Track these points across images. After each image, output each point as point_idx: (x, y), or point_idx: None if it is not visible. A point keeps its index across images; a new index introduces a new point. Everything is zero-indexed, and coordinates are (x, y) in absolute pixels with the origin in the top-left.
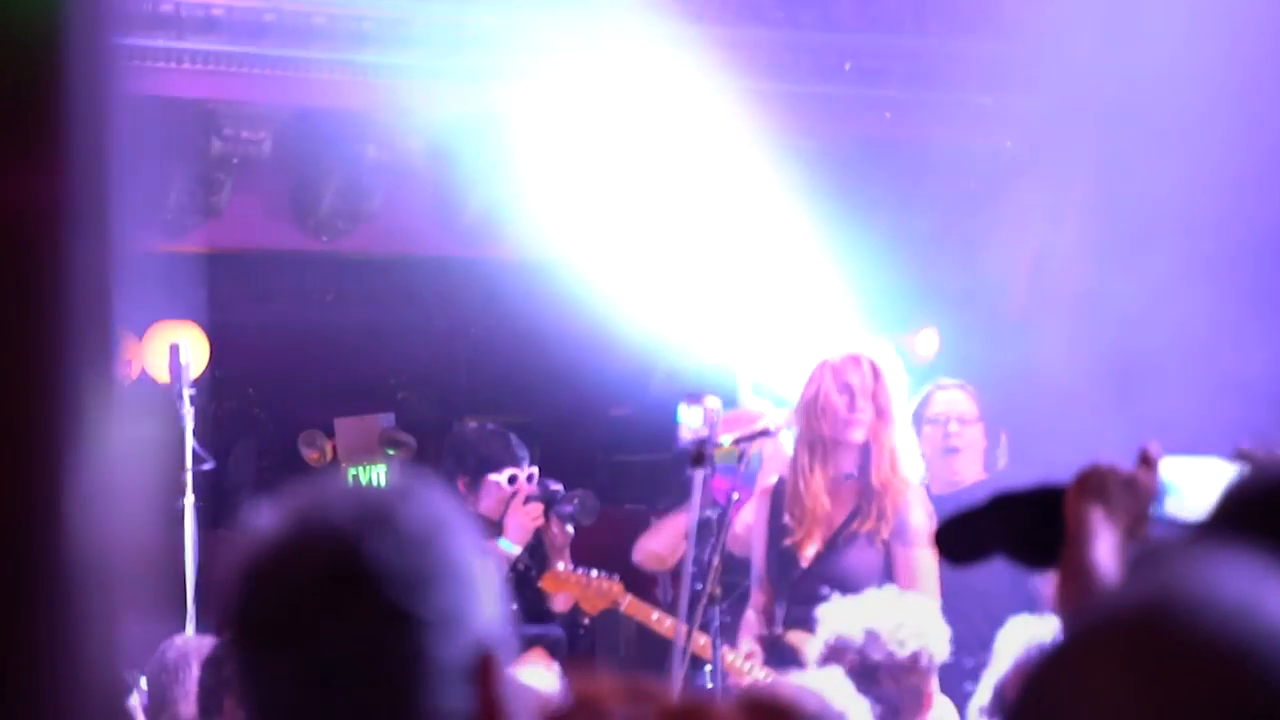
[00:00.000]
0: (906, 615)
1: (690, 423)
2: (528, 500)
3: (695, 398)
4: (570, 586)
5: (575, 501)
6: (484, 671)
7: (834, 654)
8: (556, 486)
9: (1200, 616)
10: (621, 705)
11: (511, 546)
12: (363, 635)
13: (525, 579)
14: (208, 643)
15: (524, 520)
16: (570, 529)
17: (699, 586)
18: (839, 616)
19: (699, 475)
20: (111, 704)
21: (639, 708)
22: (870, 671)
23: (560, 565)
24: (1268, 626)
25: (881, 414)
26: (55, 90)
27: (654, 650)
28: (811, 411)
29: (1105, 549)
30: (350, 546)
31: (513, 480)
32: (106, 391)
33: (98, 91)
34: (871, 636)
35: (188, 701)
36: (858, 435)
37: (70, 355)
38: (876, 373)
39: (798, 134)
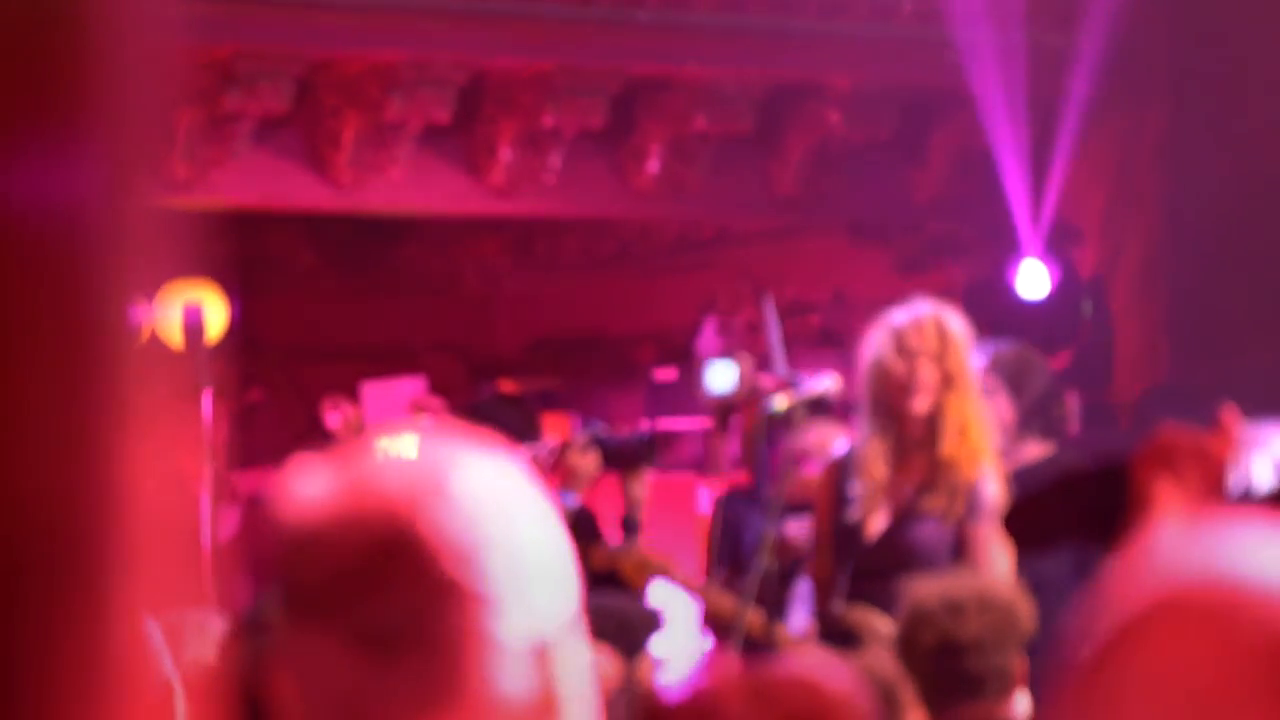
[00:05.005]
0: (995, 595)
1: (719, 384)
2: (585, 448)
3: (726, 356)
4: (618, 561)
5: (641, 446)
6: (541, 650)
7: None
8: (607, 434)
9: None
10: (742, 706)
11: (570, 497)
12: (416, 607)
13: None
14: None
15: (585, 468)
16: (649, 479)
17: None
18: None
19: (723, 437)
20: (137, 680)
21: (761, 711)
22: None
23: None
24: None
25: (949, 381)
26: (65, 40)
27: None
28: (871, 377)
29: (1173, 523)
30: (405, 515)
31: (533, 462)
32: (119, 357)
33: (108, 38)
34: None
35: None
36: (920, 405)
37: (79, 315)
38: (943, 336)
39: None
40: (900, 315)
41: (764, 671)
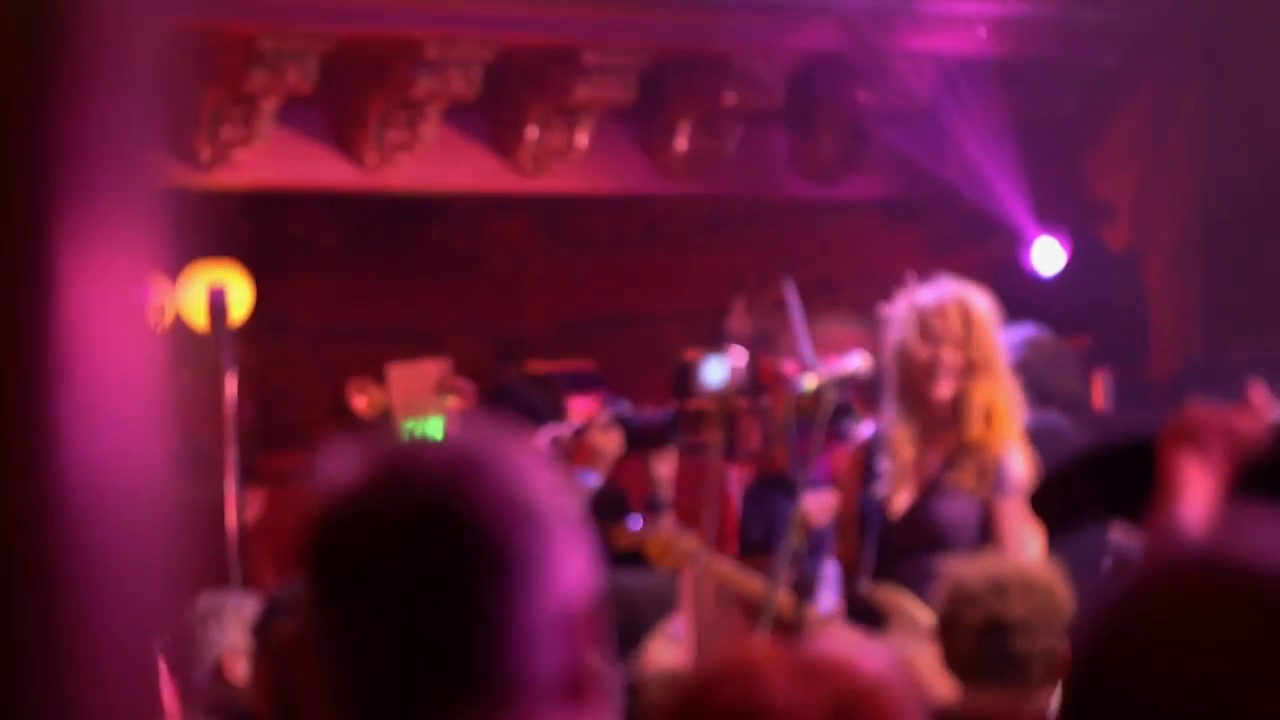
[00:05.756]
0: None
1: (712, 379)
2: (607, 426)
3: (719, 349)
4: (644, 542)
5: (665, 424)
6: (574, 630)
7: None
8: (630, 412)
9: (1265, 561)
10: (787, 684)
11: (591, 476)
12: (451, 586)
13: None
14: (237, 603)
15: (606, 447)
16: (674, 457)
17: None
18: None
19: (717, 437)
20: (139, 669)
21: (809, 690)
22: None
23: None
24: None
25: (973, 366)
26: (81, 15)
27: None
28: (895, 362)
29: (1200, 503)
30: (441, 494)
31: (555, 442)
32: (141, 338)
33: (128, 16)
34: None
35: (199, 668)
36: (943, 392)
37: (98, 297)
38: (968, 321)
39: (899, 53)
40: (925, 296)
41: (803, 651)
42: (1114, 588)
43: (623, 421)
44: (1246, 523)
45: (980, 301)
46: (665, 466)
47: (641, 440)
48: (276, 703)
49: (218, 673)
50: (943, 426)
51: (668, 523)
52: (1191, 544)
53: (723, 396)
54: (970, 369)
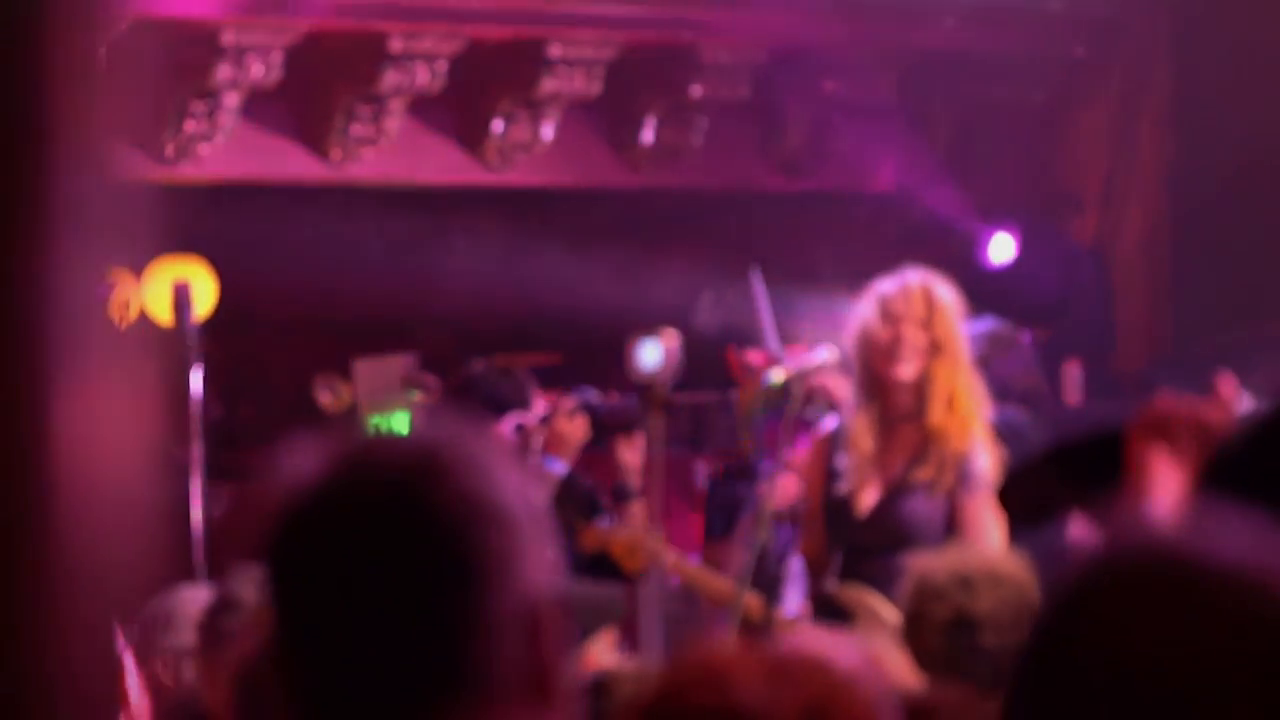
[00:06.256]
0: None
1: (646, 362)
2: (573, 413)
3: (651, 333)
4: (611, 542)
5: (630, 410)
6: (537, 628)
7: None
8: (600, 398)
9: (1212, 558)
10: (758, 684)
11: (557, 463)
12: (416, 587)
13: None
14: (196, 599)
15: (571, 434)
16: (641, 443)
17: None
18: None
19: (656, 422)
20: (104, 667)
21: (780, 691)
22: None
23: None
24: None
25: (936, 348)
26: (40, 9)
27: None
28: (857, 345)
29: (1168, 496)
30: (403, 492)
31: (520, 430)
32: (99, 335)
33: (87, 10)
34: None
35: (164, 665)
36: (905, 372)
37: (57, 294)
38: (930, 303)
39: (866, 44)
40: (887, 284)
41: (774, 651)
42: (1061, 582)
43: (588, 408)
44: (1205, 518)
45: (943, 288)
46: (631, 453)
47: (607, 427)
48: (243, 707)
49: (175, 675)
50: (905, 417)
51: (635, 522)
52: (1140, 539)
53: (656, 379)
54: (933, 349)
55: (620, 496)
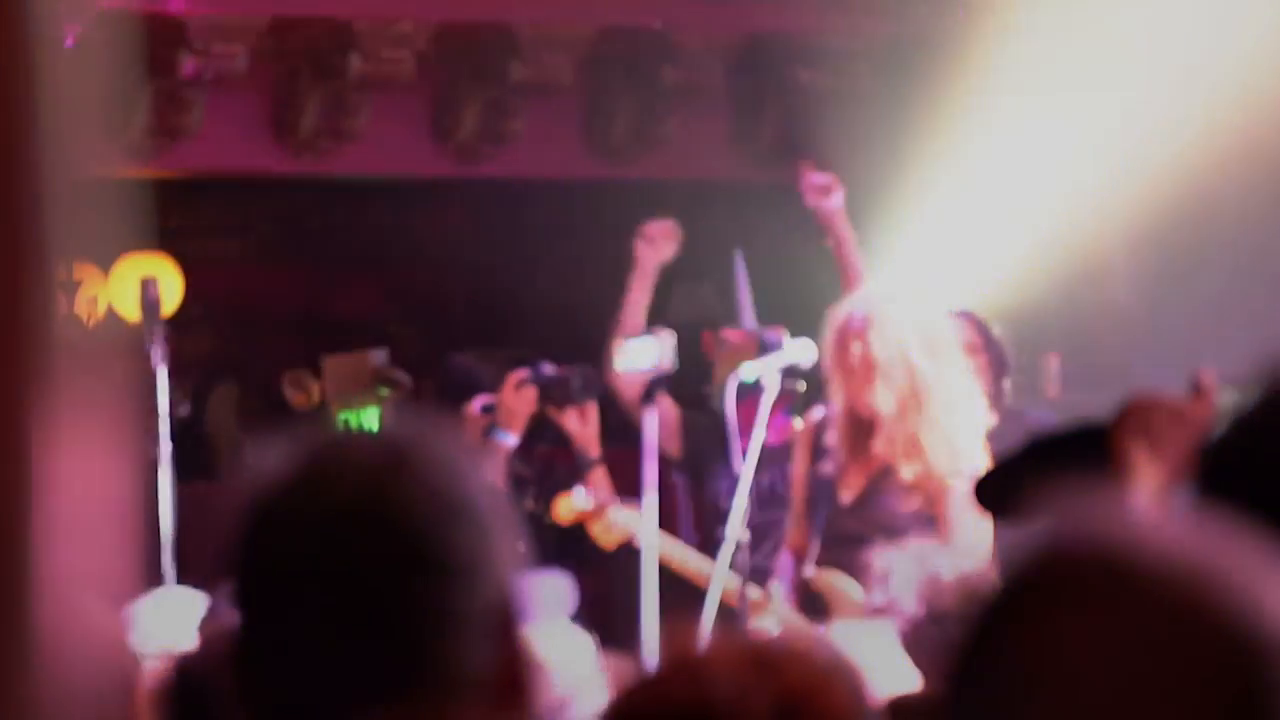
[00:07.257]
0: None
1: (642, 359)
2: (520, 385)
3: (648, 331)
4: (586, 519)
5: (577, 379)
6: (504, 626)
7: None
8: (551, 371)
9: (1159, 560)
10: (734, 676)
11: (507, 436)
12: (384, 583)
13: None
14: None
15: (518, 406)
16: (593, 413)
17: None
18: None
19: (651, 415)
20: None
21: (757, 679)
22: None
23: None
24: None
25: (924, 351)
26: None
27: (677, 591)
28: (830, 366)
29: (1149, 491)
30: (371, 490)
31: (487, 409)
32: (58, 332)
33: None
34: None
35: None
36: (884, 392)
37: (21, 291)
38: (911, 319)
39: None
40: (873, 286)
41: (751, 642)
42: (1008, 572)
43: (536, 380)
44: (1176, 516)
45: (919, 307)
46: (581, 424)
47: (554, 397)
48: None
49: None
50: (892, 418)
51: (601, 493)
52: (1085, 535)
53: (650, 378)
54: (921, 353)
55: (582, 467)
